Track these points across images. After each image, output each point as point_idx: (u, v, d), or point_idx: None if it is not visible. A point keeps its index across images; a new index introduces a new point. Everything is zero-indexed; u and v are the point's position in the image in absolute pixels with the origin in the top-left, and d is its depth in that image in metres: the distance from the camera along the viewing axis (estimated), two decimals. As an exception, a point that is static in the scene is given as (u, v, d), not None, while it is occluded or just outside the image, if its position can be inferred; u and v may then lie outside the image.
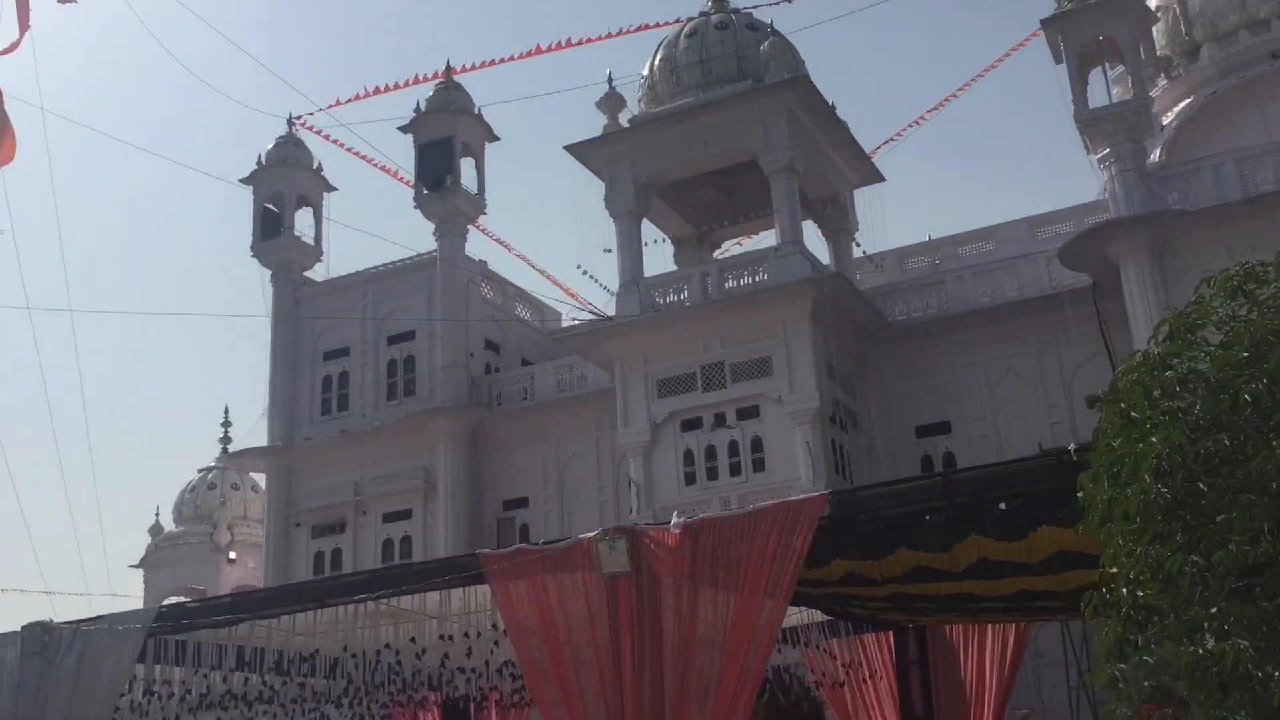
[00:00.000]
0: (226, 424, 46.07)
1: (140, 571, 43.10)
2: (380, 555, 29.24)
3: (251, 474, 45.23)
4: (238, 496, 43.71)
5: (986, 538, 8.26)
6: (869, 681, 13.82)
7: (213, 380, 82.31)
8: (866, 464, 23.60)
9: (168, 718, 13.82)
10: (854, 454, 23.16)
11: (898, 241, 29.37)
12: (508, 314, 32.97)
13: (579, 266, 28.00)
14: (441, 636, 11.29)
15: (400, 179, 38.42)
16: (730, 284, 23.33)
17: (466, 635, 10.99)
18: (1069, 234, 27.61)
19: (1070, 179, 77.53)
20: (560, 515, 27.83)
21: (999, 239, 28.72)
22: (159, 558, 42.64)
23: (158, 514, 44.33)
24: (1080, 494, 5.84)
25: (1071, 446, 7.34)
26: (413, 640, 10.91)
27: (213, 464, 44.92)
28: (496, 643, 11.48)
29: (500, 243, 35.71)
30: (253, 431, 32.47)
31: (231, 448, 45.49)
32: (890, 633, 13.86)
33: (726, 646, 8.40)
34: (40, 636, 10.94)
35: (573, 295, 31.51)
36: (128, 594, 47.31)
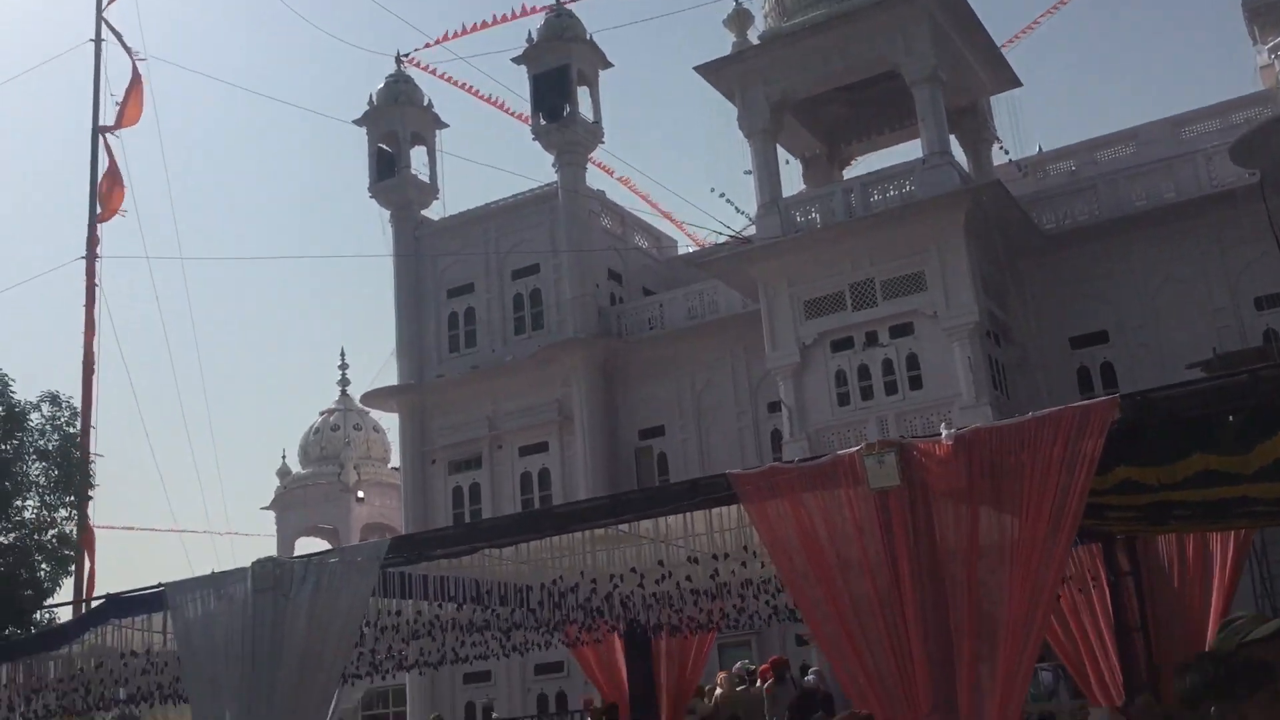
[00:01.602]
0: (344, 366, 47.00)
1: (272, 513, 44.30)
2: (519, 488, 29.49)
3: (373, 414, 46.07)
4: (360, 437, 44.48)
5: (1297, 436, 7.79)
6: (1081, 594, 13.46)
7: (331, 324, 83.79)
8: (1020, 378, 22.98)
9: (379, 648, 14.14)
10: (1008, 367, 22.55)
11: (1035, 149, 28.28)
12: (627, 244, 32.70)
13: (714, 189, 27.66)
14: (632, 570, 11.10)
15: (511, 113, 38.27)
16: (875, 199, 22.67)
17: (661, 563, 10.86)
18: (1214, 132, 26.45)
19: (1210, 76, 73.97)
20: (698, 443, 27.69)
21: (1141, 140, 27.55)
22: (289, 499, 43.70)
23: (284, 457, 45.43)
24: None
25: None
26: (633, 570, 10.75)
27: (334, 405, 45.85)
28: (717, 569, 11.38)
29: (618, 178, 35.24)
30: (382, 372, 32.85)
31: (351, 389, 46.66)
32: (1098, 544, 13.47)
33: (1015, 556, 8.04)
34: (272, 571, 10.99)
35: (698, 225, 31.02)
36: (260, 533, 48.85)
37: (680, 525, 10.71)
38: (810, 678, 16.58)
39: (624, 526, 10.42)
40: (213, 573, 11.79)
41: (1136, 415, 8.43)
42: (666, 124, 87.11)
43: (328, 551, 10.90)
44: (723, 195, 28.12)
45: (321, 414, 45.69)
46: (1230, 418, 8.09)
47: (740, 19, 24.95)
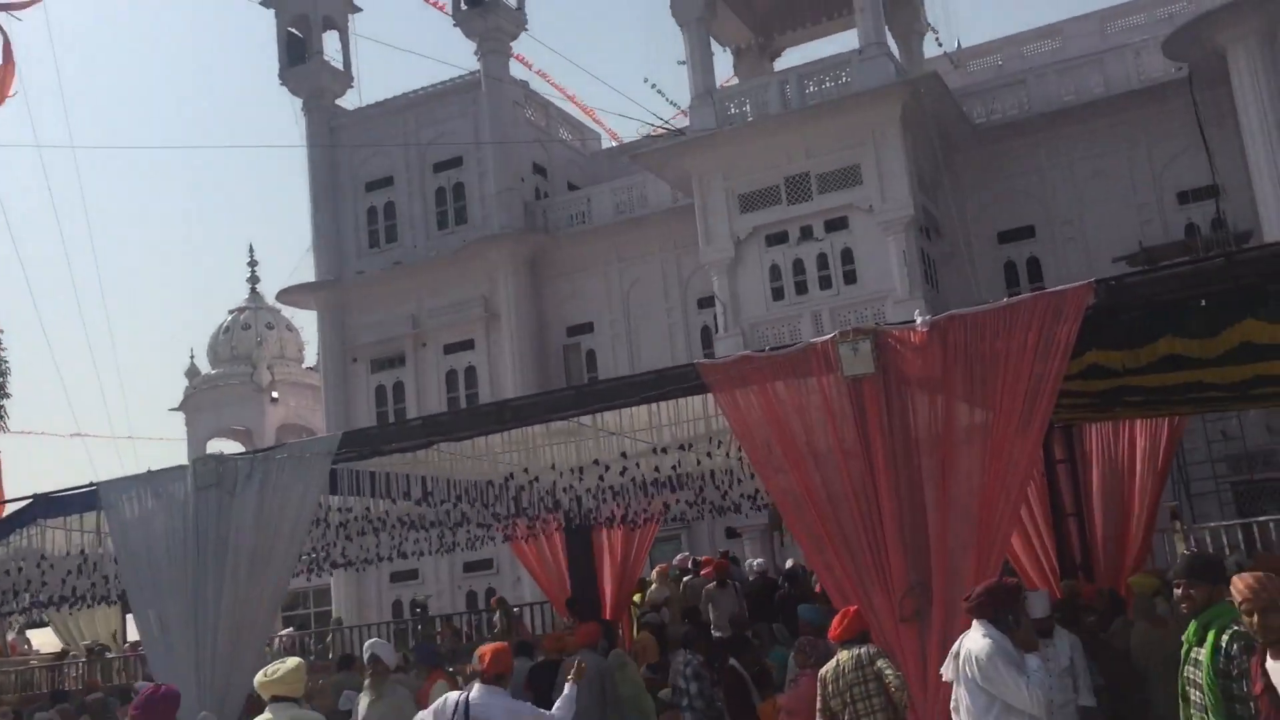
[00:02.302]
0: (253, 263, 45.52)
1: (181, 415, 43.12)
2: (444, 386, 29.08)
3: (286, 312, 44.86)
4: (273, 335, 43.28)
5: (1260, 320, 7.86)
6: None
7: (239, 219, 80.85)
8: (950, 272, 23.16)
9: (318, 546, 13.84)
10: (938, 262, 22.68)
11: (965, 43, 28.07)
12: (552, 137, 31.93)
13: (645, 79, 26.97)
14: (596, 461, 10.96)
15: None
16: (811, 91, 22.33)
17: (625, 455, 10.74)
18: (1140, 26, 26.53)
19: None
20: (628, 339, 27.51)
21: (1067, 36, 27.47)
22: (199, 400, 42.50)
23: (192, 357, 44.06)
24: None
25: None
26: (595, 462, 10.60)
27: (244, 304, 44.48)
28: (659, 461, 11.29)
29: (538, 72, 34.20)
30: (298, 269, 31.90)
31: (262, 287, 45.33)
32: (1035, 432, 13.66)
33: (990, 443, 8.02)
34: (214, 469, 10.61)
35: (626, 116, 30.35)
36: (169, 436, 47.71)
37: (640, 418, 10.57)
38: (756, 564, 16.77)
39: (585, 419, 10.22)
40: (149, 470, 11.34)
41: (1110, 300, 8.42)
42: (590, 12, 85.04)
43: (273, 448, 10.50)
44: (654, 86, 27.37)
45: (231, 312, 44.28)
46: (1203, 302, 8.12)
47: (671, -100, 24.07)
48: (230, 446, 44.24)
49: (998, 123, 24.16)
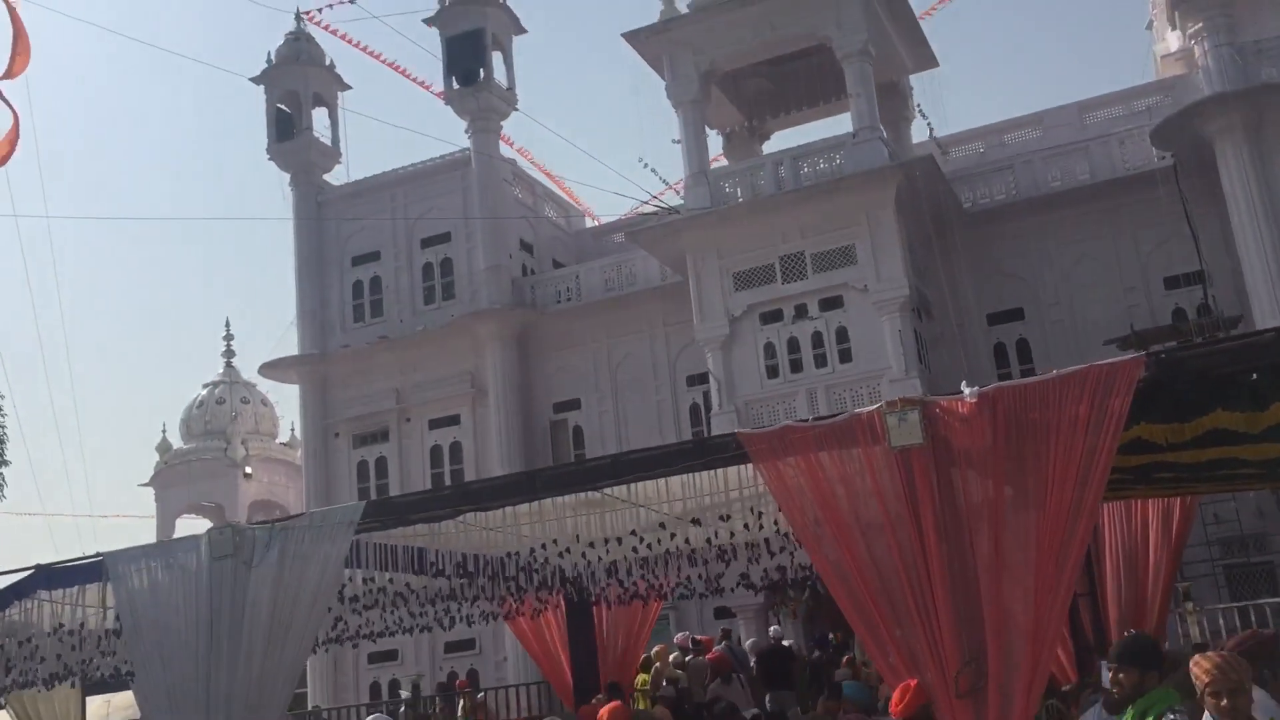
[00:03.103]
0: (229, 336, 45.20)
1: (151, 491, 42.34)
2: (429, 462, 28.76)
3: (261, 387, 44.42)
4: (248, 410, 42.82)
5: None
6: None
7: (212, 295, 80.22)
8: (939, 352, 23.35)
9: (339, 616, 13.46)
10: (928, 342, 22.87)
11: (948, 129, 28.69)
12: (538, 214, 32.13)
13: (640, 159, 27.30)
14: (634, 532, 10.81)
15: (414, 79, 37.20)
16: (805, 172, 22.66)
17: (635, 533, 10.59)
18: (1119, 117, 27.25)
19: (1110, 64, 77.18)
20: (615, 415, 27.40)
21: (1047, 125, 28.15)
22: (170, 475, 41.81)
23: (164, 431, 43.45)
24: None
25: None
26: (633, 533, 10.44)
27: (219, 378, 44.03)
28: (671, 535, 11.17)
29: (518, 149, 34.54)
30: (281, 343, 31.61)
31: (237, 361, 44.92)
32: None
33: (1044, 515, 7.97)
34: (230, 539, 10.33)
35: (617, 193, 30.65)
36: (139, 513, 46.79)
37: (666, 490, 10.45)
38: (773, 630, 16.54)
39: (616, 490, 10.08)
40: (159, 541, 11.06)
41: (1160, 373, 8.46)
42: (577, 93, 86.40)
43: (294, 516, 10.25)
44: (647, 165, 27.77)
45: (205, 386, 43.82)
46: (1254, 375, 8.18)
47: (668, -13, 24.62)
48: (200, 524, 43.41)
49: (985, 207, 24.61)
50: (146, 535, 40.40)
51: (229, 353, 44.46)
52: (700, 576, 13.45)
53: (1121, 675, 4.96)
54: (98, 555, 11.24)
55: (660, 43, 24.07)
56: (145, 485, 42.14)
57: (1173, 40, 31.49)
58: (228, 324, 45.42)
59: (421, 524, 10.52)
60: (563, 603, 15.06)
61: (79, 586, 11.45)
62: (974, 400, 8.38)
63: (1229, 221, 21.56)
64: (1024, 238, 24.18)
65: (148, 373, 74.97)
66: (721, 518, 10.62)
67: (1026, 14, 78.47)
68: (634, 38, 24.16)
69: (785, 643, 16.02)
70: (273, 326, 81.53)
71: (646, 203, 24.09)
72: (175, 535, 40.81)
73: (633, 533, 11.02)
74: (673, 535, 11.06)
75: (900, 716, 6.30)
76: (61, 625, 12.17)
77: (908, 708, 6.25)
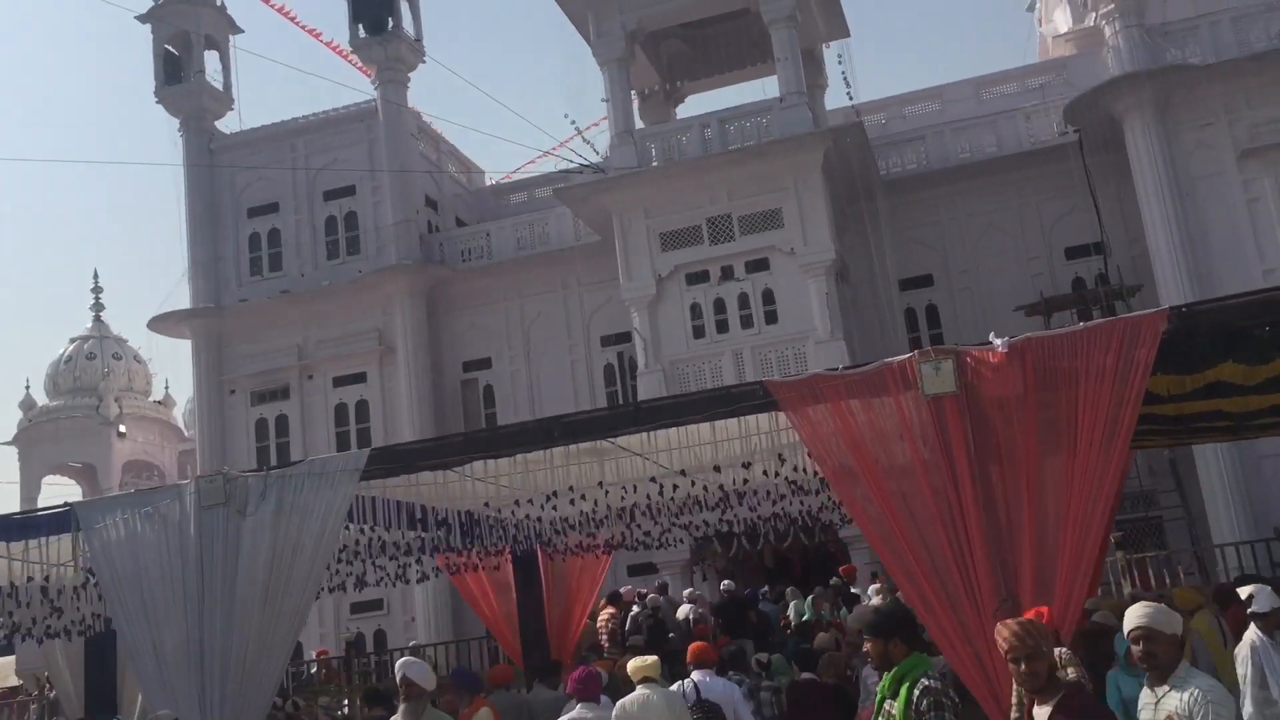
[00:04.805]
0: (98, 289, 43.06)
1: (14, 450, 40.09)
2: (333, 419, 28.07)
3: (132, 343, 42.51)
4: (121, 367, 40.92)
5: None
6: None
7: (87, 246, 75.87)
8: (855, 316, 23.98)
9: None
10: (845, 305, 23.46)
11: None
12: (442, 170, 31.53)
13: (567, 116, 27.26)
14: (653, 479, 10.90)
15: (304, 26, 35.94)
16: (732, 134, 22.86)
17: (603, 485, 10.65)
18: (1012, 95, 28.33)
19: (1000, 43, 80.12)
20: (527, 375, 27.25)
21: (946, 99, 29.04)
22: (36, 433, 39.67)
23: (28, 387, 41.13)
24: None
25: None
26: (653, 479, 10.52)
27: (88, 332, 41.90)
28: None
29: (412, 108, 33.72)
30: (170, 298, 30.33)
31: (105, 315, 42.82)
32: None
33: (1075, 459, 8.36)
34: (222, 487, 9.99)
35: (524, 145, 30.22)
36: (-1, 475, 44.26)
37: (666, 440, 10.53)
38: (687, 593, 16.85)
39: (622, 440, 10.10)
40: (135, 491, 10.61)
41: (1183, 325, 8.93)
42: (477, 47, 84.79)
43: (292, 464, 9.95)
44: (573, 122, 27.44)
45: (73, 341, 41.63)
46: (1267, 328, 8.72)
47: (593, -57, 24.35)
48: (68, 484, 41.42)
49: (897, 175, 25.28)
50: (9, 497, 38.29)
51: (98, 306, 42.37)
52: (649, 530, 13.68)
53: (869, 646, 5.17)
54: (65, 505, 10.73)
55: (586, 1, 23.84)
56: (8, 444, 39.88)
57: (1060, 22, 32.88)
58: (96, 276, 43.21)
59: (407, 475, 10.38)
60: (509, 558, 15.12)
61: (44, 538, 10.91)
62: (1004, 350, 8.72)
63: (1128, 195, 22.69)
64: (935, 207, 24.97)
65: (7, 326, 70.67)
66: (715, 469, 10.82)
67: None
68: (559, -8, 23.86)
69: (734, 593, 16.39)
70: (148, 280, 77.86)
71: (547, 154, 23.91)
72: (40, 497, 38.90)
73: (682, 472, 11.02)
74: (673, 486, 11.20)
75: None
76: (14, 585, 11.59)
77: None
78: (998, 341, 8.73)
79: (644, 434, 9.70)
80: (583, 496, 10.38)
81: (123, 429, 39.09)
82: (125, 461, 39.71)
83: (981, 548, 8.25)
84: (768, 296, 22.08)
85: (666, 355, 22.32)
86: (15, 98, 77.64)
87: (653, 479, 11.10)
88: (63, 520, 10.68)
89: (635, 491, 11.26)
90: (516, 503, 11.55)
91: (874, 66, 76.22)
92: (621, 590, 17.09)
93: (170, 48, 31.33)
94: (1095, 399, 8.35)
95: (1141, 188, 21.55)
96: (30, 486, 39.31)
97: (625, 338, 25.86)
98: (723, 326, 22.19)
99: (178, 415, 43.86)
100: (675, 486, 11.60)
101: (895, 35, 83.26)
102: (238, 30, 32.51)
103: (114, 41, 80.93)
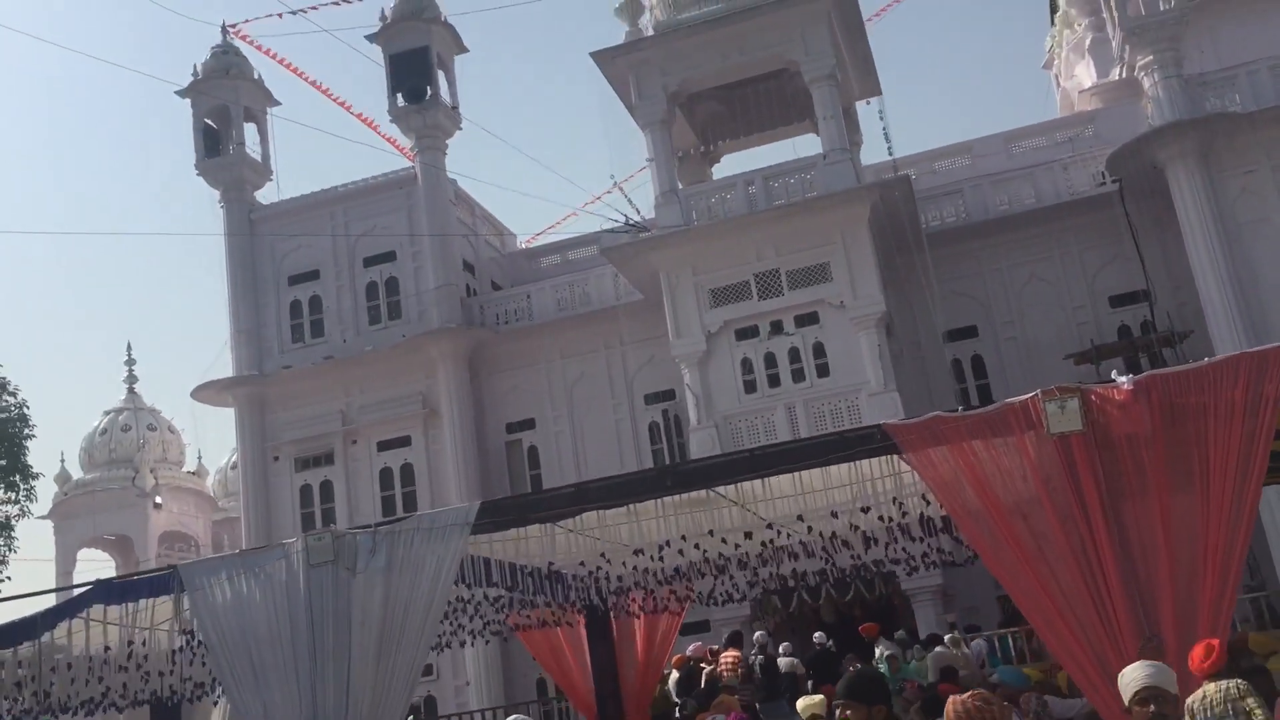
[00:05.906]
0: (130, 362, 43.30)
1: (49, 524, 40.02)
2: (379, 483, 28.06)
3: (166, 414, 42.62)
4: (155, 438, 41.00)
5: None
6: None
7: (111, 316, 76.30)
8: (902, 368, 24.01)
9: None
10: (893, 357, 23.52)
11: (882, 156, 29.65)
12: (477, 235, 31.85)
13: (612, 177, 27.30)
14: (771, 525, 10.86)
15: (335, 99, 36.58)
16: (776, 189, 23.11)
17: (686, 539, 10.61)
18: (1042, 148, 28.62)
19: (1015, 99, 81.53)
20: (571, 435, 27.26)
21: (975, 154, 29.32)
22: (71, 506, 39.65)
23: (63, 461, 41.17)
24: None
25: None
26: (770, 526, 10.47)
27: (121, 404, 42.07)
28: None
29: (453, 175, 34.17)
30: (212, 368, 30.41)
31: (140, 387, 43.01)
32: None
33: (1210, 495, 8.34)
34: (330, 545, 9.98)
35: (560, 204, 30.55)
36: (32, 549, 44.10)
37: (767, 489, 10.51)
38: (784, 647, 16.73)
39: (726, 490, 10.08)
40: (240, 551, 10.64)
41: (1305, 359, 8.91)
42: (513, 113, 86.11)
43: (400, 519, 9.96)
44: (617, 182, 27.68)
45: (107, 413, 41.78)
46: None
47: (632, 7, 24.87)
48: (102, 558, 41.31)
49: (938, 229, 25.47)
50: (46, 572, 38.17)
51: (131, 378, 42.60)
52: (739, 582, 13.57)
53: (849, 712, 4.87)
54: (169, 568, 10.73)
55: (626, 64, 24.25)
56: (43, 518, 39.80)
57: (1084, 76, 33.30)
58: (129, 348, 43.42)
59: (514, 529, 10.38)
60: (580, 616, 15.02)
61: (145, 601, 10.89)
62: (1130, 387, 8.74)
63: (1171, 243, 22.84)
64: (977, 258, 25.11)
65: (41, 399, 70.89)
66: (799, 518, 10.77)
67: (936, 49, 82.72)
68: (601, 57, 24.27)
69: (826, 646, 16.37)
70: (181, 352, 78.23)
71: (582, 210, 24.11)
72: (76, 570, 38.76)
73: (710, 532, 11.03)
74: (787, 533, 11.13)
75: (1206, 674, 6.51)
76: (109, 649, 11.55)
77: (1215, 665, 6.47)
78: (1122, 379, 8.76)
79: (750, 483, 9.70)
80: (695, 545, 10.32)
81: (159, 500, 39.08)
82: (161, 532, 39.64)
83: (1119, 586, 8.18)
84: (818, 350, 22.15)
85: (719, 410, 22.34)
86: (50, 170, 78.64)
87: (746, 534, 11.03)
88: (164, 583, 10.67)
89: (749, 539, 11.13)
90: (603, 555, 11.54)
91: (896, 124, 77.68)
92: (690, 649, 16.93)
93: (210, 121, 31.85)
94: (1226, 434, 8.33)
95: (1189, 234, 21.69)
96: (66, 560, 39.22)
97: (669, 395, 25.90)
98: (774, 381, 22.24)
99: (210, 485, 43.85)
100: (776, 536, 11.51)
101: (913, 94, 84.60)
102: (275, 103, 33.06)
103: (152, 117, 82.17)
